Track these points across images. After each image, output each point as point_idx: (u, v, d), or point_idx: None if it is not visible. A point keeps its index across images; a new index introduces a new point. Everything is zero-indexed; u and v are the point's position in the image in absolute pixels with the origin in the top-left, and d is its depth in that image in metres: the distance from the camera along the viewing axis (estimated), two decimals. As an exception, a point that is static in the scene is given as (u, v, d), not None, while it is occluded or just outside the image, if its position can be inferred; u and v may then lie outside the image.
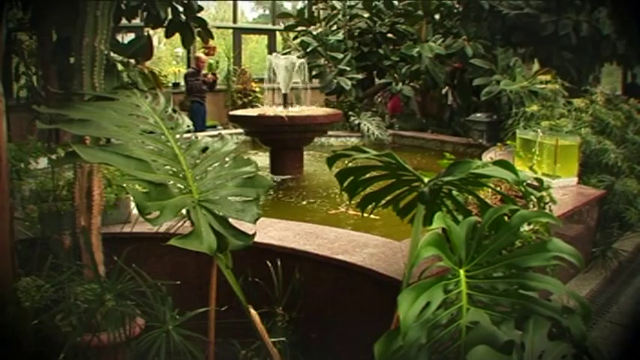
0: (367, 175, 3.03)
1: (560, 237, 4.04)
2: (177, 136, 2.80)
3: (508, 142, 6.83)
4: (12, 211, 3.32)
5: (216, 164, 2.83)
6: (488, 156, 7.37)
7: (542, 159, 5.90)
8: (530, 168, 5.68)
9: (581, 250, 5.12)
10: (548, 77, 8.79)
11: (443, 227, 2.41)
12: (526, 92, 8.70)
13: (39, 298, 3.08)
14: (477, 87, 9.73)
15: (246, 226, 2.74)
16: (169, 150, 2.67)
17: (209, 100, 14.18)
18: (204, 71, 13.66)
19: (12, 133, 4.18)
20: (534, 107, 7.72)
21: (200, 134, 3.62)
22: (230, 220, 2.68)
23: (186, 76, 13.53)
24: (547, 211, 3.86)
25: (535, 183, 3.49)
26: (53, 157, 4.17)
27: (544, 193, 3.82)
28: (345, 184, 3.06)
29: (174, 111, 2.95)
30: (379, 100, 13.22)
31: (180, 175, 2.60)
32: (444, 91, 12.30)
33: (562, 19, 9.47)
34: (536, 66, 11.01)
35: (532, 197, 3.56)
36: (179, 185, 2.55)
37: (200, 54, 13.85)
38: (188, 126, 2.89)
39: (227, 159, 2.91)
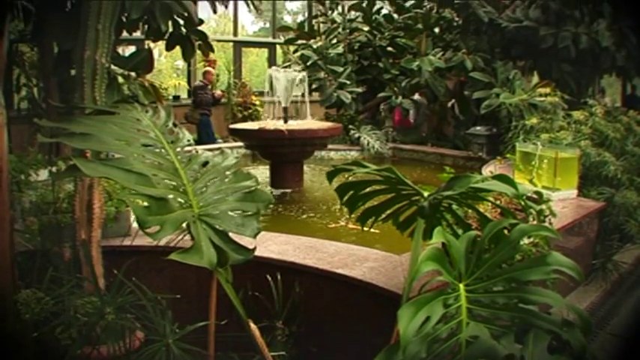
0: (367, 190, 3.04)
1: (561, 249, 4.05)
2: (178, 149, 2.81)
3: (508, 155, 6.84)
4: (12, 223, 3.33)
5: (216, 178, 2.83)
6: (488, 169, 7.37)
7: (542, 172, 5.90)
8: (530, 181, 5.68)
9: (582, 262, 5.12)
10: (547, 90, 8.81)
11: (443, 241, 2.41)
12: (525, 105, 8.74)
13: (39, 310, 3.08)
14: (478, 100, 9.77)
15: (246, 240, 2.74)
16: (170, 164, 2.67)
17: (210, 114, 14.28)
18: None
19: (12, 145, 4.20)
20: (534, 120, 7.75)
21: (200, 148, 3.63)
22: (230, 234, 2.69)
23: (195, 89, 13.62)
24: (547, 223, 3.86)
25: (534, 196, 3.50)
26: (54, 169, 4.18)
27: (544, 207, 3.83)
28: (345, 198, 3.07)
29: (174, 125, 2.96)
30: (383, 113, 13.22)
31: (181, 190, 2.60)
32: (450, 103, 12.33)
33: (561, 32, 9.51)
34: (535, 79, 11.05)
35: (532, 211, 3.56)
36: (179, 199, 2.55)
37: (209, 68, 13.97)
38: (188, 140, 2.90)
39: (227, 173, 2.92)
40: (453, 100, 12.07)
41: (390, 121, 12.97)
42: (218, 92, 14.11)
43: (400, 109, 12.26)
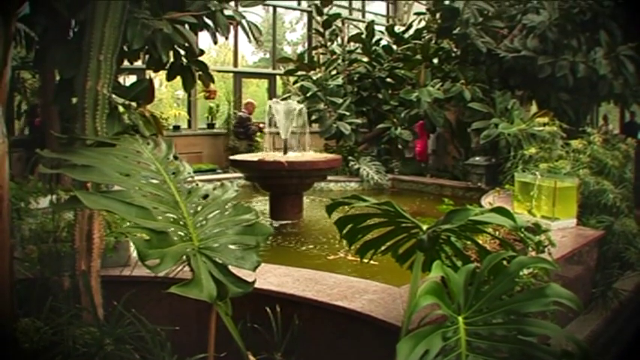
0: (366, 223, 3.05)
1: (560, 279, 4.05)
2: (179, 183, 2.82)
3: (507, 185, 6.86)
4: (12, 251, 3.33)
5: (216, 211, 2.85)
6: (487, 200, 7.37)
7: (541, 201, 5.91)
8: (529, 211, 5.69)
9: (582, 290, 5.10)
10: (546, 119, 8.86)
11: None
12: (524, 135, 8.77)
13: (38, 339, 3.08)
14: (477, 130, 9.82)
15: (245, 272, 2.74)
16: (170, 197, 2.69)
17: (209, 144, 14.36)
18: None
19: (12, 172, 4.21)
20: (532, 150, 7.77)
21: (198, 179, 3.64)
22: (230, 266, 2.69)
23: (243, 121, 13.86)
24: (546, 253, 3.86)
25: (533, 227, 3.51)
26: (54, 198, 4.19)
27: (542, 238, 3.83)
28: (345, 231, 3.08)
29: (175, 157, 2.98)
30: (400, 146, 13.24)
31: (181, 223, 2.61)
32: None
33: (559, 61, 9.58)
34: (534, 108, 11.11)
35: (530, 241, 3.58)
36: (180, 232, 2.56)
37: (251, 100, 14.33)
38: (189, 173, 2.92)
39: (227, 206, 2.93)
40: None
41: (410, 152, 13.07)
42: (261, 124, 14.33)
43: (420, 141, 12.37)
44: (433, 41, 12.32)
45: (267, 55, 19.75)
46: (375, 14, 19.98)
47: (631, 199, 6.68)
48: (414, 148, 13.23)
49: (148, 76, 7.72)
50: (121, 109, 4.45)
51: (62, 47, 4.60)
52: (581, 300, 2.42)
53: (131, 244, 4.10)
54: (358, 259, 3.39)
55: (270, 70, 17.89)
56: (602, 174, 6.88)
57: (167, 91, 16.71)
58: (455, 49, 11.89)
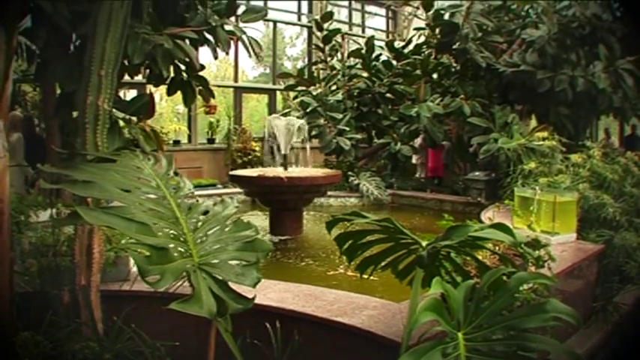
0: (366, 239, 3.06)
1: (561, 293, 4.05)
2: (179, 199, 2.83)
3: (506, 200, 6.85)
4: (12, 264, 3.33)
5: (216, 228, 2.85)
6: (486, 215, 7.37)
7: (541, 216, 5.91)
8: (529, 226, 5.69)
9: (582, 305, 5.09)
10: (545, 133, 8.86)
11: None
12: (524, 149, 8.77)
13: (37, 353, 3.07)
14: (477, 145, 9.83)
15: (244, 288, 2.74)
16: (170, 213, 2.69)
17: (209, 159, 14.34)
18: None
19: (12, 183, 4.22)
20: (532, 164, 7.77)
21: (198, 194, 3.65)
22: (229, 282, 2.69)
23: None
24: (546, 268, 3.86)
25: (533, 242, 3.51)
26: (54, 212, 4.20)
27: (542, 253, 3.83)
28: (345, 247, 3.08)
29: (175, 173, 2.99)
30: (419, 160, 13.22)
31: (181, 239, 2.62)
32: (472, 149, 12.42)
33: (558, 75, 9.61)
34: (533, 122, 11.12)
35: (530, 256, 3.58)
36: (180, 249, 2.56)
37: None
38: (189, 189, 2.92)
39: (227, 222, 2.93)
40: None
41: (422, 168, 13.08)
42: None
43: (433, 156, 12.36)
44: (433, 56, 12.34)
45: (268, 70, 19.75)
46: (375, 29, 20.05)
47: (631, 213, 6.67)
48: (424, 164, 13.24)
49: (148, 91, 7.74)
50: (121, 123, 4.46)
51: (63, 61, 4.61)
52: (581, 314, 2.42)
53: (131, 258, 4.10)
54: (358, 275, 3.39)
55: (270, 86, 17.90)
56: (602, 188, 6.87)
57: (167, 106, 16.73)
58: (454, 64, 11.91)
